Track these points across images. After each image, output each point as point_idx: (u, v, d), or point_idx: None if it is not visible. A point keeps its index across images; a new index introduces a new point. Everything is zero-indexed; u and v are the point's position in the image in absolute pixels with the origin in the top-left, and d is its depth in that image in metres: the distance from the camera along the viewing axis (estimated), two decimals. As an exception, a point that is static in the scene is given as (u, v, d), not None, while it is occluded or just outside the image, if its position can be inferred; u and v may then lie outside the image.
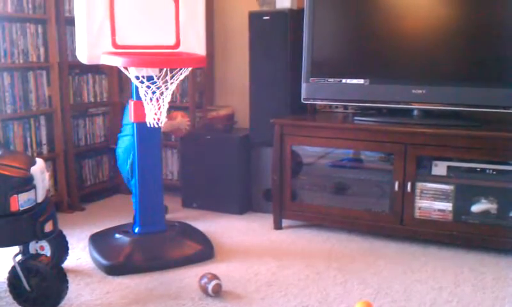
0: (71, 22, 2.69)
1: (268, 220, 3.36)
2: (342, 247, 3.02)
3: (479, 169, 2.88)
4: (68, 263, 2.69)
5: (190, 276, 2.59)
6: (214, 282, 2.37)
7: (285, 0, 3.40)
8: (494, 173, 2.86)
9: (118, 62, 2.51)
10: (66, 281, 2.27)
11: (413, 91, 3.02)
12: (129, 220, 3.14)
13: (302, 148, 3.33)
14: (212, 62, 4.00)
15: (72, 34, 3.51)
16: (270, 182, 3.35)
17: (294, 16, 3.36)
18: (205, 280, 2.39)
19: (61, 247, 2.64)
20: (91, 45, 2.60)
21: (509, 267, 2.74)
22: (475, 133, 2.81)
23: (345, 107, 3.55)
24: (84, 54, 2.62)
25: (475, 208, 2.90)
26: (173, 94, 3.81)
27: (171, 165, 4.02)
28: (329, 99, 3.32)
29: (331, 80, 3.22)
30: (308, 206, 3.28)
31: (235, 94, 3.95)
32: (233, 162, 3.55)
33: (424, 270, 2.70)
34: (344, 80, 3.19)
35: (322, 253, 2.92)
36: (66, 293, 2.28)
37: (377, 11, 3.12)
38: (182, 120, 3.46)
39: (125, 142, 3.21)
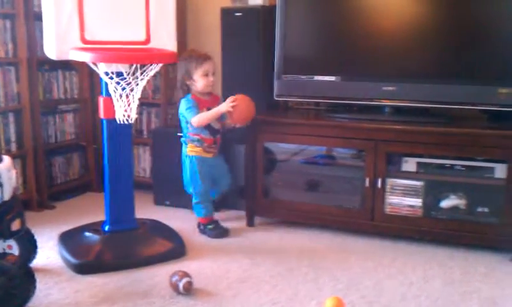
0: (40, 17, 2.65)
1: (241, 217, 3.36)
2: (314, 243, 3.03)
3: (448, 165, 2.92)
4: (36, 262, 2.65)
5: (161, 274, 2.57)
6: (184, 280, 2.36)
7: (258, -4, 3.40)
8: (463, 169, 2.90)
9: (86, 58, 2.49)
10: (34, 281, 2.23)
11: (384, 88, 3.04)
12: (100, 218, 3.09)
13: (275, 145, 3.33)
14: (185, 59, 3.97)
15: (41, 30, 3.44)
16: (243, 179, 3.34)
17: (266, 13, 3.35)
18: (175, 278, 2.38)
19: (29, 246, 2.59)
20: (59, 40, 2.57)
21: (477, 262, 2.78)
22: (444, 130, 2.85)
23: (318, 104, 3.56)
24: (53, 49, 2.59)
25: (444, 203, 2.94)
26: (144, 90, 3.79)
27: (143, 162, 3.98)
28: (301, 96, 3.33)
29: (303, 77, 3.22)
30: (280, 204, 3.28)
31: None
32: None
33: (394, 265, 2.73)
34: (316, 77, 3.20)
35: (294, 250, 2.92)
36: (34, 293, 2.24)
37: (349, 8, 3.14)
38: (223, 104, 3.01)
39: (189, 166, 3.15)
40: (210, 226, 3.15)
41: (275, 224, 3.32)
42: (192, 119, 3.02)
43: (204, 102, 3.08)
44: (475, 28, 2.92)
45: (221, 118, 3.09)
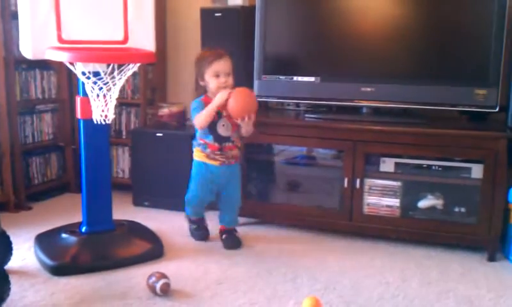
0: (17, 15, 2.62)
1: (220, 217, 3.35)
2: (293, 244, 3.03)
3: (425, 166, 2.95)
4: (12, 264, 2.60)
5: (138, 275, 2.55)
6: (162, 281, 2.34)
7: (237, -3, 3.40)
8: (440, 169, 2.93)
9: (63, 57, 2.47)
10: (9, 283, 2.19)
11: (362, 89, 3.06)
12: (78, 219, 3.06)
13: (255, 145, 3.33)
14: (165, 59, 3.96)
15: (19, 29, 3.41)
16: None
17: (246, 13, 3.35)
18: (153, 279, 2.36)
19: (4, 248, 2.55)
20: (35, 40, 2.53)
21: (454, 261, 2.81)
22: (421, 131, 2.87)
23: (297, 105, 3.57)
24: (29, 48, 2.56)
25: (422, 203, 2.97)
26: (123, 90, 3.76)
27: (122, 162, 3.95)
28: (281, 96, 3.33)
29: (282, 77, 3.23)
30: (260, 204, 3.29)
31: (188, 91, 3.89)
32: (185, 159, 3.49)
33: (372, 265, 2.74)
34: (295, 78, 3.21)
35: (272, 250, 2.92)
36: (8, 295, 2.20)
37: (329, 9, 3.15)
38: (218, 96, 2.74)
39: (192, 169, 2.97)
40: (194, 226, 3.12)
41: (254, 225, 3.31)
42: (194, 120, 2.85)
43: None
44: (452, 30, 2.95)
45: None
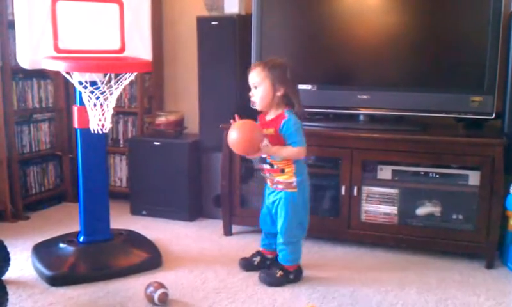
0: (14, 25, 2.62)
1: (218, 226, 3.35)
2: (291, 252, 3.03)
3: (422, 173, 2.95)
4: (9, 275, 2.60)
5: (136, 285, 2.55)
6: (160, 291, 2.34)
7: (233, 5, 3.40)
8: (437, 176, 2.93)
9: (60, 67, 2.47)
10: (6, 293, 2.19)
11: (359, 96, 3.06)
12: (75, 229, 3.06)
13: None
14: (162, 68, 3.96)
15: (15, 38, 3.41)
16: (220, 188, 3.33)
17: (242, 21, 3.35)
18: (151, 289, 2.36)
19: (1, 258, 2.55)
20: (32, 50, 2.53)
21: (453, 269, 2.81)
22: (418, 138, 2.87)
23: (294, 113, 3.57)
24: (26, 58, 2.56)
25: (420, 211, 2.97)
26: (120, 99, 3.77)
27: (120, 171, 3.95)
28: (278, 104, 3.33)
29: (279, 85, 3.22)
30: (257, 212, 3.25)
31: (185, 100, 3.93)
32: (183, 168, 3.52)
33: (370, 273, 2.74)
34: (292, 86, 3.20)
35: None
36: (6, 306, 2.20)
37: (325, 18, 3.15)
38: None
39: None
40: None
41: (252, 233, 3.30)
42: None
43: (263, 122, 2.62)
44: (448, 37, 2.96)
45: None
